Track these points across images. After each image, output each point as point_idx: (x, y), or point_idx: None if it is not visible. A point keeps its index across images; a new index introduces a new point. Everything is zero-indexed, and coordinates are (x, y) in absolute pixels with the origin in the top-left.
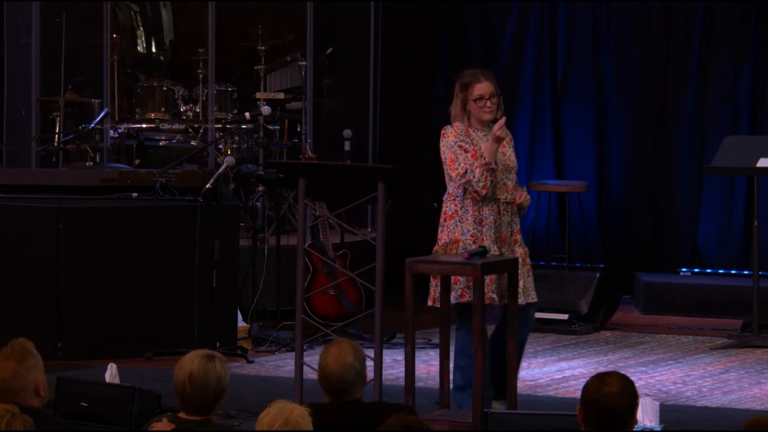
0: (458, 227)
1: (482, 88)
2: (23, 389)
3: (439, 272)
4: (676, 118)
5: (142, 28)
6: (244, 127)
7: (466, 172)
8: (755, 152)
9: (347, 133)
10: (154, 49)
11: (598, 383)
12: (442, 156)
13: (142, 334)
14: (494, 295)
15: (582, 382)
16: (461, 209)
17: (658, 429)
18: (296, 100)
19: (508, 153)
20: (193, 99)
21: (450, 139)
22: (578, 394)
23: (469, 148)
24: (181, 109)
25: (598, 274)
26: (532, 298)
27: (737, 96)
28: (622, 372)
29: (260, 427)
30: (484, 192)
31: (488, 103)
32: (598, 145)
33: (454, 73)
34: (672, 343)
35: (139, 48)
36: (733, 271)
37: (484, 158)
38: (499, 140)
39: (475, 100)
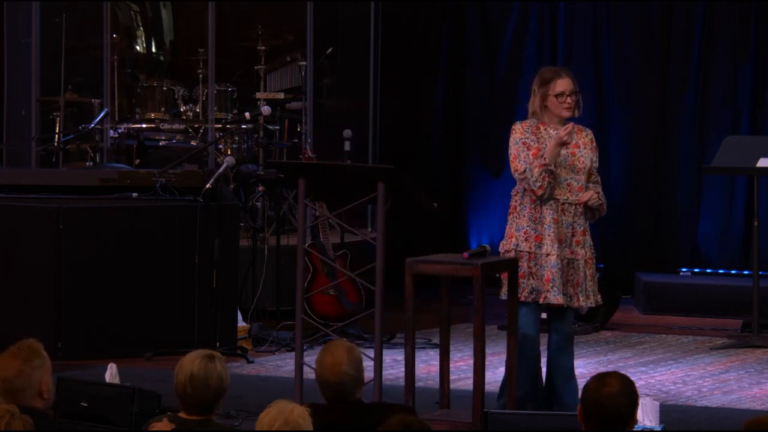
0: (515, 223)
1: (563, 84)
2: (26, 389)
3: (439, 272)
4: (676, 118)
5: (142, 28)
6: (244, 127)
7: (525, 170)
8: (755, 152)
9: (347, 133)
10: (154, 49)
11: (598, 383)
12: (509, 151)
13: (142, 334)
14: (559, 296)
15: (582, 382)
16: (520, 205)
17: (658, 429)
18: (296, 100)
19: (579, 153)
20: (193, 99)
21: (517, 135)
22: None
23: (533, 145)
24: (181, 109)
25: (598, 274)
26: (592, 302)
27: (737, 96)
28: (622, 372)
29: (260, 427)
30: (540, 192)
31: (568, 100)
32: (597, 144)
33: (454, 73)
34: (672, 343)
35: (139, 48)
36: (733, 271)
37: (544, 159)
38: (562, 144)
39: (556, 96)
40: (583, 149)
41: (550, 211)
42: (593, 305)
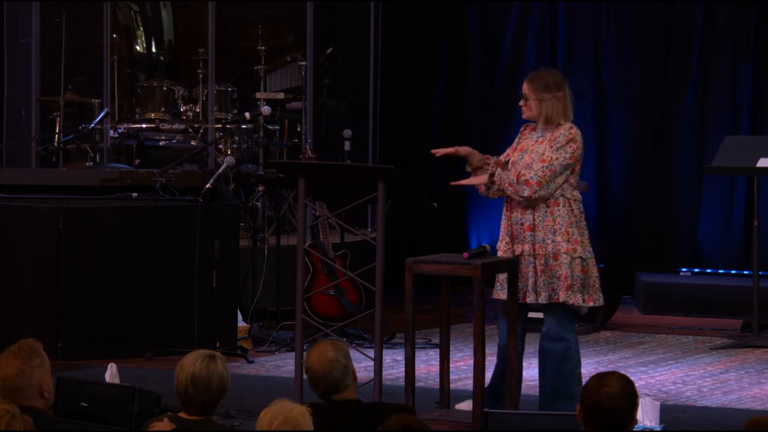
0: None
1: (523, 88)
2: (27, 388)
3: (439, 272)
4: (676, 118)
5: (142, 28)
6: (244, 127)
7: None
8: (755, 152)
9: (347, 133)
10: (154, 49)
11: (597, 383)
12: None
13: (142, 334)
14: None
15: (582, 382)
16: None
17: (658, 429)
18: (296, 100)
19: (531, 151)
20: (193, 99)
21: None
22: None
23: (509, 150)
24: (181, 109)
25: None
26: (544, 299)
27: (737, 96)
28: (622, 372)
29: (260, 425)
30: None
31: (521, 103)
32: (598, 145)
33: (454, 72)
34: (672, 343)
35: (139, 48)
36: (733, 271)
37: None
38: (473, 170)
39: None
40: (538, 146)
41: (504, 209)
42: (546, 302)
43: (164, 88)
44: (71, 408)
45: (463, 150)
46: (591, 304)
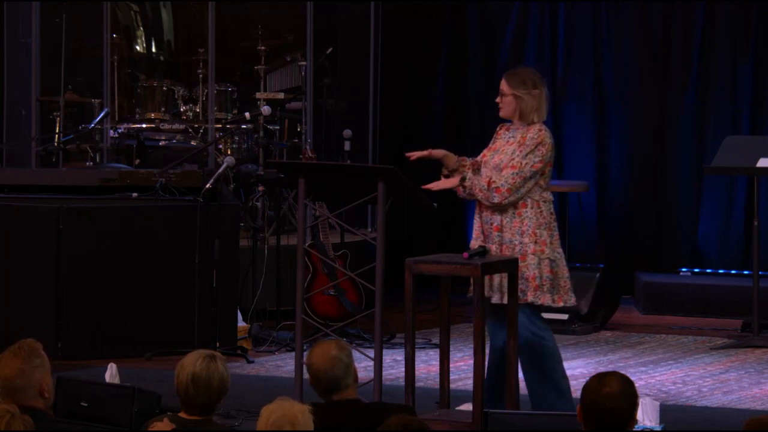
0: None
1: (501, 84)
2: (27, 388)
3: (439, 272)
4: (676, 118)
5: (142, 28)
6: (244, 127)
7: None
8: (755, 152)
9: (347, 133)
10: (154, 49)
11: (597, 383)
12: None
13: (142, 334)
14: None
15: (582, 382)
16: None
17: (658, 429)
18: (296, 100)
19: (501, 151)
20: (193, 99)
21: None
22: (578, 394)
23: (485, 151)
24: (181, 109)
25: (598, 274)
26: (496, 299)
27: (737, 96)
28: (622, 372)
29: (260, 420)
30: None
31: (497, 99)
32: (598, 145)
33: (454, 73)
34: (672, 343)
35: (139, 48)
36: (733, 271)
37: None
38: (446, 174)
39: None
40: (508, 147)
41: (476, 208)
42: (507, 303)
43: (164, 88)
44: (71, 408)
45: (438, 152)
46: (561, 304)
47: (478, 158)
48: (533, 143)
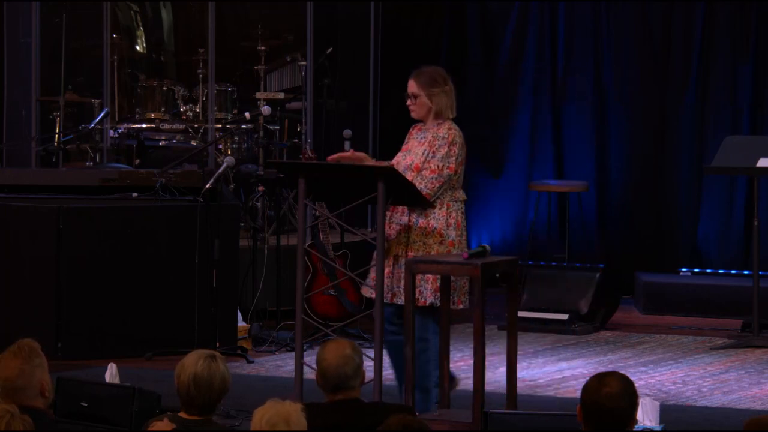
0: None
1: (408, 85)
2: (28, 388)
3: (439, 272)
4: (676, 118)
5: (142, 28)
6: (244, 127)
7: None
8: (755, 152)
9: (347, 133)
10: (154, 49)
11: (597, 383)
12: None
13: (142, 334)
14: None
15: (582, 382)
16: None
17: (658, 429)
18: (296, 100)
19: (411, 152)
20: (193, 99)
21: None
22: (578, 394)
23: (400, 153)
24: (181, 109)
25: (598, 274)
26: (400, 300)
27: (737, 96)
28: (622, 372)
29: (253, 420)
30: None
31: (408, 102)
32: (598, 145)
33: (455, 73)
34: (672, 343)
35: (139, 48)
36: (733, 271)
37: None
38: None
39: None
40: (419, 147)
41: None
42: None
43: (164, 88)
44: (71, 408)
45: (359, 155)
46: (460, 306)
47: (393, 161)
48: (445, 143)
